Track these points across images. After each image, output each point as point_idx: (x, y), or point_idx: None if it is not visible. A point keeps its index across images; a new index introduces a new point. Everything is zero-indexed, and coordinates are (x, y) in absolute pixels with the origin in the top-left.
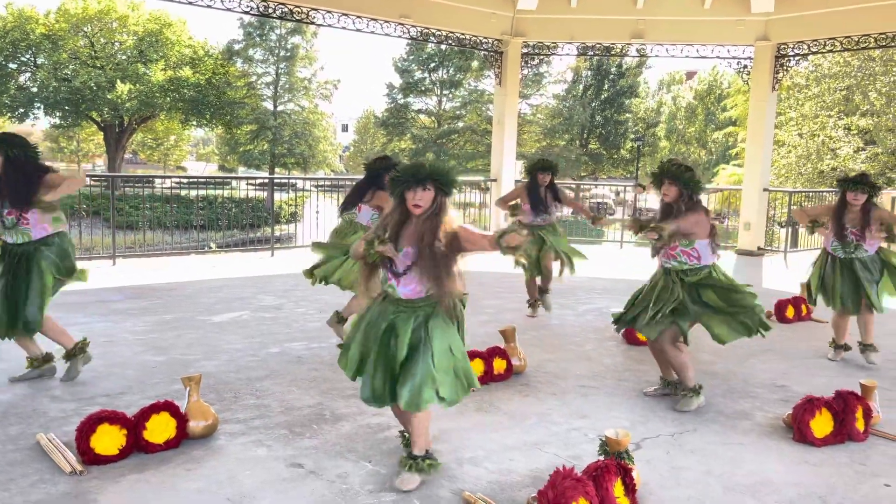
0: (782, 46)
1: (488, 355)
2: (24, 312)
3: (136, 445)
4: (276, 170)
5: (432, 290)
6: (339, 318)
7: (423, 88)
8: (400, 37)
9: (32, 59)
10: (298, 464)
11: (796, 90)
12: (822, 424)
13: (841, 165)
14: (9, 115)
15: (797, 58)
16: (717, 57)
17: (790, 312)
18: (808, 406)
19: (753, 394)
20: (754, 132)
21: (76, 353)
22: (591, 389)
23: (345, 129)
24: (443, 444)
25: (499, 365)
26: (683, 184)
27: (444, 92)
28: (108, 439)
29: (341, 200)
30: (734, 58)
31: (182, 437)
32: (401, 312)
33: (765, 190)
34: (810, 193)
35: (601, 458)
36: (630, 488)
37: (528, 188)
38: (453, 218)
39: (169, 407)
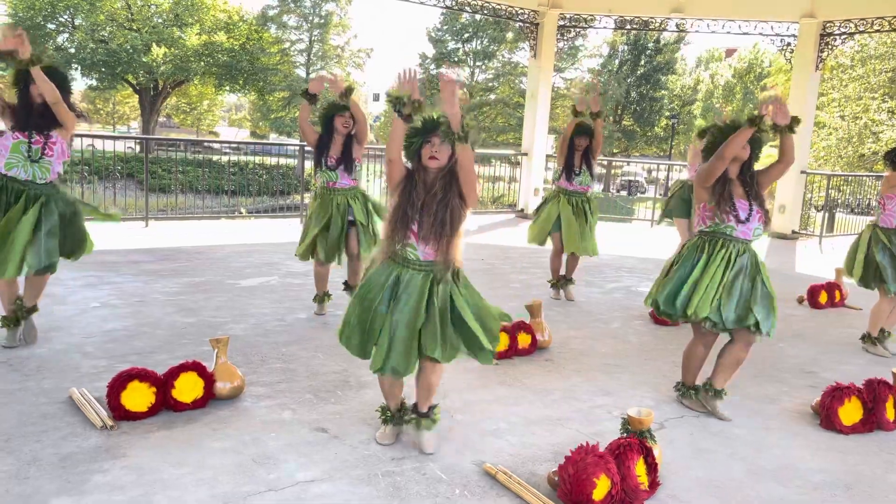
0: (828, 24)
1: (513, 329)
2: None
3: (165, 403)
4: None
5: (445, 256)
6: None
7: (456, 59)
8: (434, 6)
9: (70, 19)
10: (322, 428)
11: (840, 70)
12: (850, 412)
13: (883, 150)
14: None
15: (843, 36)
16: (760, 34)
17: (823, 298)
18: (837, 393)
19: (781, 379)
20: (795, 113)
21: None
22: (616, 367)
23: (376, 98)
24: (465, 415)
25: (523, 339)
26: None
27: (478, 63)
28: (137, 396)
29: (370, 170)
30: (777, 35)
31: (209, 398)
32: (417, 273)
33: (802, 172)
34: (850, 178)
35: (623, 435)
36: (652, 467)
37: (567, 153)
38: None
39: (197, 367)
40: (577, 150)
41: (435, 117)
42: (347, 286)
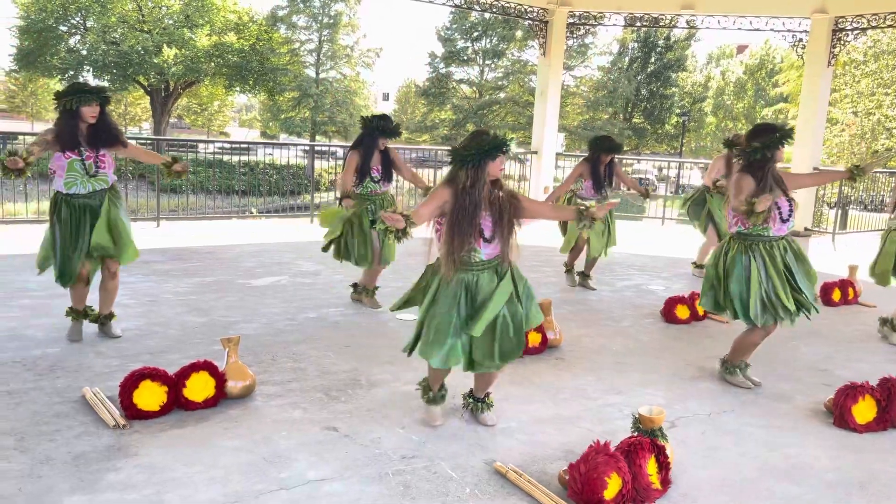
0: (840, 20)
1: None
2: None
3: (177, 402)
4: (317, 137)
5: (504, 251)
6: (367, 292)
7: (465, 58)
8: (444, 4)
9: (82, 21)
10: (333, 427)
11: (853, 66)
12: (864, 410)
13: None
14: (59, 77)
15: (855, 32)
16: (772, 29)
17: (836, 295)
18: (851, 391)
19: (795, 377)
20: (807, 109)
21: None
22: (627, 366)
23: (386, 97)
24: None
25: (534, 338)
26: None
27: (487, 62)
28: (149, 395)
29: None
30: (789, 30)
31: (220, 397)
32: (481, 272)
33: (815, 169)
34: None
35: (634, 434)
36: (663, 466)
37: (591, 167)
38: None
39: (208, 367)
40: (601, 164)
41: (506, 137)
42: (357, 289)
